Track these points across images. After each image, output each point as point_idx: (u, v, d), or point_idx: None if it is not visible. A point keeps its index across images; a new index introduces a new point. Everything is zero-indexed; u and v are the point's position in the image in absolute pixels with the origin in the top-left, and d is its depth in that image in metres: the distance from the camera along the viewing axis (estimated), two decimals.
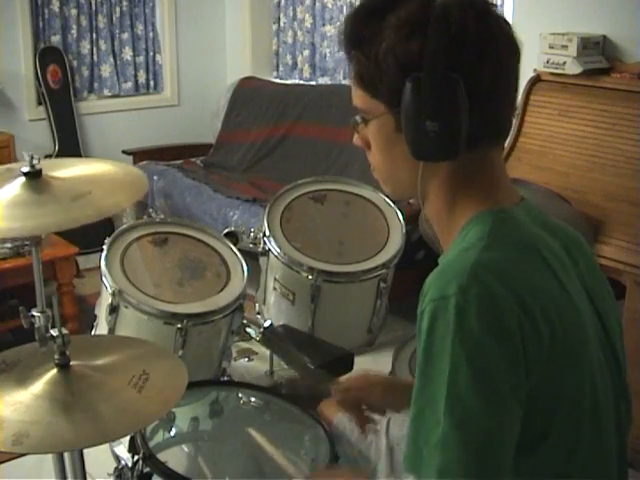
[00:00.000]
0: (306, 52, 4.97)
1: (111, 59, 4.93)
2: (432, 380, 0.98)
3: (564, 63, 3.00)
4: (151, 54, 5.11)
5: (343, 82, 4.73)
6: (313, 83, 4.93)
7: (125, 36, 4.97)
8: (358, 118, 1.16)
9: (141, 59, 5.08)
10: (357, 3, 1.09)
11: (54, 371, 1.44)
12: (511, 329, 0.97)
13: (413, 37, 1.04)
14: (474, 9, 1.05)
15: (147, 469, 1.48)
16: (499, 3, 3.87)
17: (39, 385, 1.42)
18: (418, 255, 3.51)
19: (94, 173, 1.59)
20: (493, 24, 1.07)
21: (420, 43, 1.04)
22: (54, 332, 1.46)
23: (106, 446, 1.71)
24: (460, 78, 1.03)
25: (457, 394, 0.96)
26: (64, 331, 1.46)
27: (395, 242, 2.38)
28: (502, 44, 1.08)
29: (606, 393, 1.10)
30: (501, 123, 1.11)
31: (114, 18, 4.90)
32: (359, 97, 1.14)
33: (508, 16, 3.72)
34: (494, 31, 1.07)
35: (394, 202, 2.47)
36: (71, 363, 1.46)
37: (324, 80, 4.90)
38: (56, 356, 1.45)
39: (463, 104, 1.04)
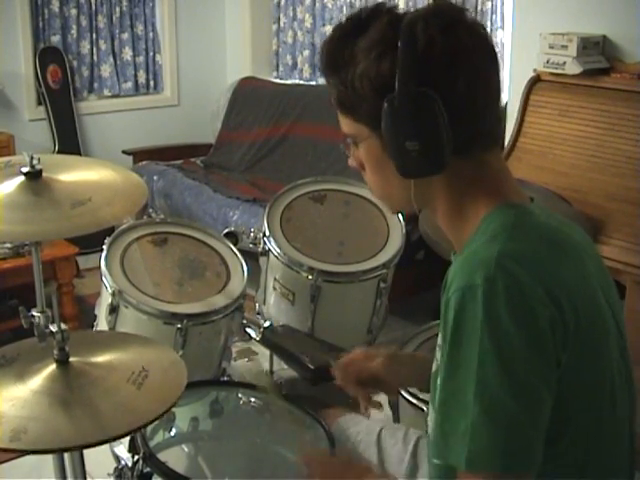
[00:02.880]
0: (306, 52, 4.98)
1: (111, 59, 4.93)
2: (460, 369, 0.99)
3: (564, 63, 3.00)
4: (151, 54, 5.11)
5: None
6: (313, 83, 4.93)
7: (125, 36, 4.97)
8: (349, 141, 1.16)
9: (141, 59, 5.08)
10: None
11: (53, 367, 1.44)
12: (540, 318, 0.98)
13: (384, 58, 1.04)
14: (440, 21, 1.05)
15: (147, 469, 1.47)
16: (499, 3, 3.87)
17: (38, 381, 1.41)
18: (418, 255, 3.51)
19: (94, 179, 1.59)
20: (462, 33, 1.06)
21: (391, 63, 1.04)
22: (53, 327, 1.46)
23: (106, 446, 1.71)
24: (434, 93, 1.03)
25: (486, 383, 0.96)
26: (63, 327, 1.46)
27: (395, 242, 2.38)
28: (475, 51, 1.07)
29: (622, 387, 1.12)
30: (488, 127, 1.11)
31: (114, 18, 4.90)
32: (344, 123, 1.15)
33: (508, 16, 3.72)
34: (464, 39, 1.06)
35: None
36: (70, 359, 1.45)
37: (324, 80, 4.89)
38: (55, 352, 1.44)
39: (441, 119, 1.03)
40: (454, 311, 1.00)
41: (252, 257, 2.35)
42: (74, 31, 4.75)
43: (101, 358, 1.50)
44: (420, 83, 1.03)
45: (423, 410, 1.72)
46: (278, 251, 2.28)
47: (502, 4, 3.83)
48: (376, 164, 1.14)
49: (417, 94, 1.03)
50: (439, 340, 1.06)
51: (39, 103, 4.69)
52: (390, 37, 1.05)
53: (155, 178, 4.45)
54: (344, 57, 1.09)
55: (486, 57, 1.09)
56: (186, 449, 1.70)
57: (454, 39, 1.05)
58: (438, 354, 1.05)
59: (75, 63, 4.81)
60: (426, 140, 1.05)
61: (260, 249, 2.35)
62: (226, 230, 2.34)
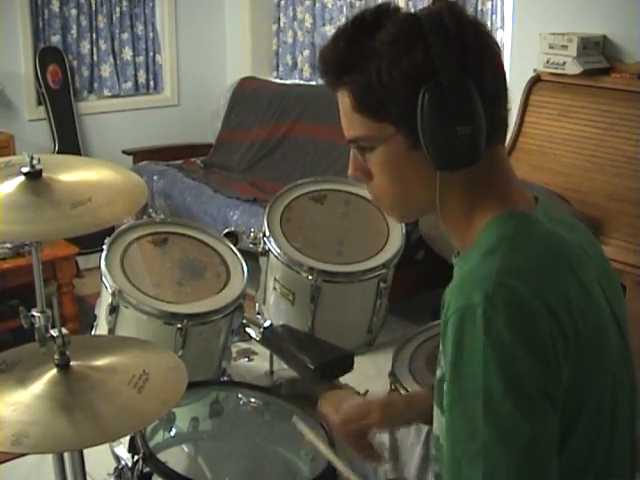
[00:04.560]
0: (306, 52, 4.98)
1: (111, 59, 4.93)
2: (464, 391, 0.98)
3: (564, 63, 3.01)
4: (151, 54, 5.11)
5: None
6: (313, 83, 4.93)
7: (125, 36, 4.97)
8: (357, 149, 1.12)
9: (141, 59, 5.08)
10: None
11: (54, 371, 1.44)
12: (541, 334, 0.97)
13: (414, 48, 1.02)
14: (458, 14, 1.06)
15: (147, 469, 1.48)
16: (499, 3, 3.87)
17: (39, 385, 1.42)
18: (418, 255, 3.51)
19: (94, 179, 1.59)
20: (481, 25, 1.08)
21: (423, 52, 1.02)
22: (54, 332, 1.46)
23: (106, 446, 1.71)
24: (470, 80, 1.03)
25: (492, 404, 0.95)
26: (64, 331, 1.46)
27: (395, 242, 2.38)
28: (493, 42, 1.09)
29: (623, 392, 1.11)
30: (505, 120, 1.11)
31: (114, 18, 4.90)
32: (359, 125, 1.09)
33: (508, 16, 3.72)
34: (485, 31, 1.08)
35: None
36: (71, 363, 1.45)
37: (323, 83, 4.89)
38: (56, 356, 1.45)
39: (480, 105, 1.03)
40: (453, 333, 0.98)
41: (252, 257, 2.35)
42: (74, 31, 4.75)
43: (102, 362, 1.50)
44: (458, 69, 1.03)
45: None
46: (278, 251, 2.29)
47: (502, 4, 3.83)
48: (396, 167, 1.09)
49: (459, 79, 1.02)
50: (441, 347, 1.05)
51: (39, 103, 4.68)
52: (415, 28, 1.03)
53: (155, 178, 4.45)
54: (361, 54, 1.05)
55: (498, 51, 1.10)
56: (186, 449, 1.70)
57: (478, 29, 1.06)
58: (443, 360, 1.04)
59: (75, 63, 4.81)
60: (475, 124, 1.03)
61: (260, 249, 2.35)
62: (226, 230, 2.34)
